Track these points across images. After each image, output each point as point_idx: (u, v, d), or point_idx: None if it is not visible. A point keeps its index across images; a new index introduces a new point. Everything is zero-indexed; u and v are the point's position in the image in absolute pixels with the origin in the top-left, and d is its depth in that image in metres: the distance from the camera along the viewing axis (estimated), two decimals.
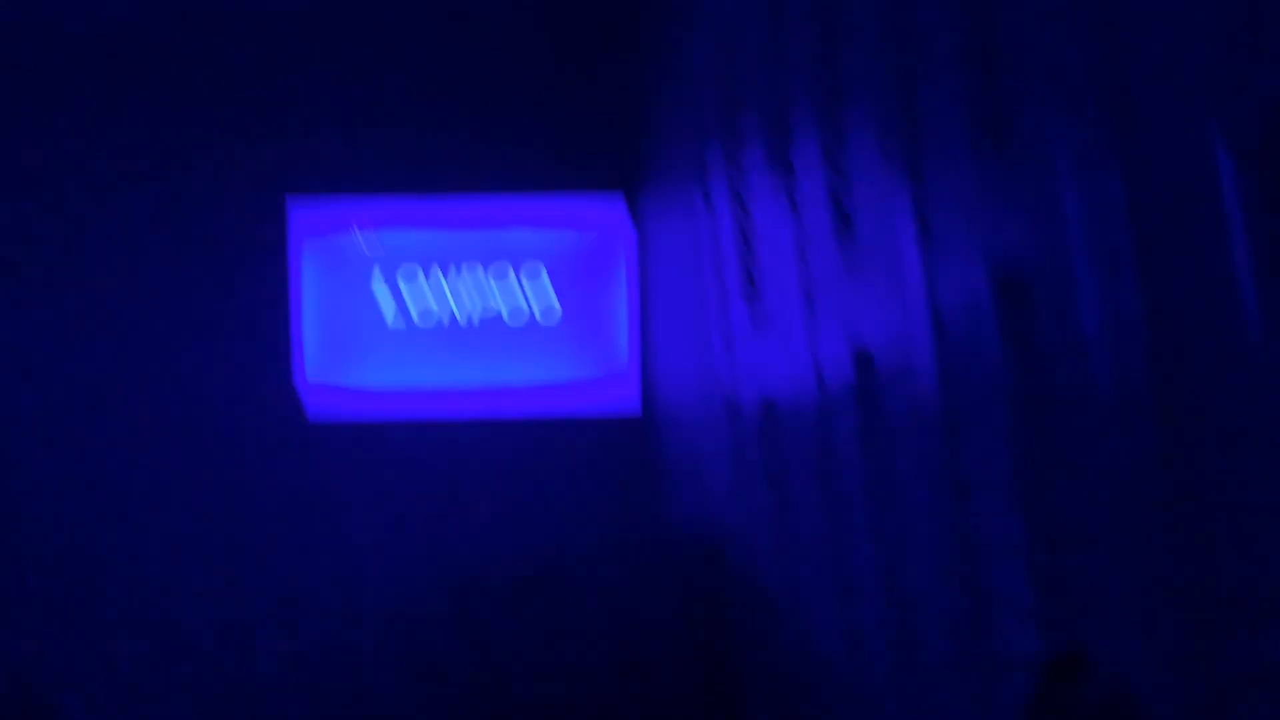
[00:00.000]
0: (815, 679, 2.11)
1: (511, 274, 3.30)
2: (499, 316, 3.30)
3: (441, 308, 3.26)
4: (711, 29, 2.52)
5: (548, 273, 3.31)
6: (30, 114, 3.20)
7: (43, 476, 3.07)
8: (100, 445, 3.10)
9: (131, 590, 3.03)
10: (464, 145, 3.31)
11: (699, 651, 2.41)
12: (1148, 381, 1.19)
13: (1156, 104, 1.19)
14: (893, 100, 1.71)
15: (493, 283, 3.30)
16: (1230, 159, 1.09)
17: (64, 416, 3.09)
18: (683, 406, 2.93)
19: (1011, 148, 1.45)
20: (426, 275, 3.27)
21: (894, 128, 1.72)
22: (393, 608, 3.04)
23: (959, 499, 1.61)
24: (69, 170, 3.19)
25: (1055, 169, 1.34)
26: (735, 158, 2.39)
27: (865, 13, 1.82)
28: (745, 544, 2.42)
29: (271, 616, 3.02)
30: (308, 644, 2.98)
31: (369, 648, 3.02)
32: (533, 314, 3.30)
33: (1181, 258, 1.16)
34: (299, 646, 2.94)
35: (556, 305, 3.31)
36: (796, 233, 2.09)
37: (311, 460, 3.15)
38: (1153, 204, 1.19)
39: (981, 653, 1.57)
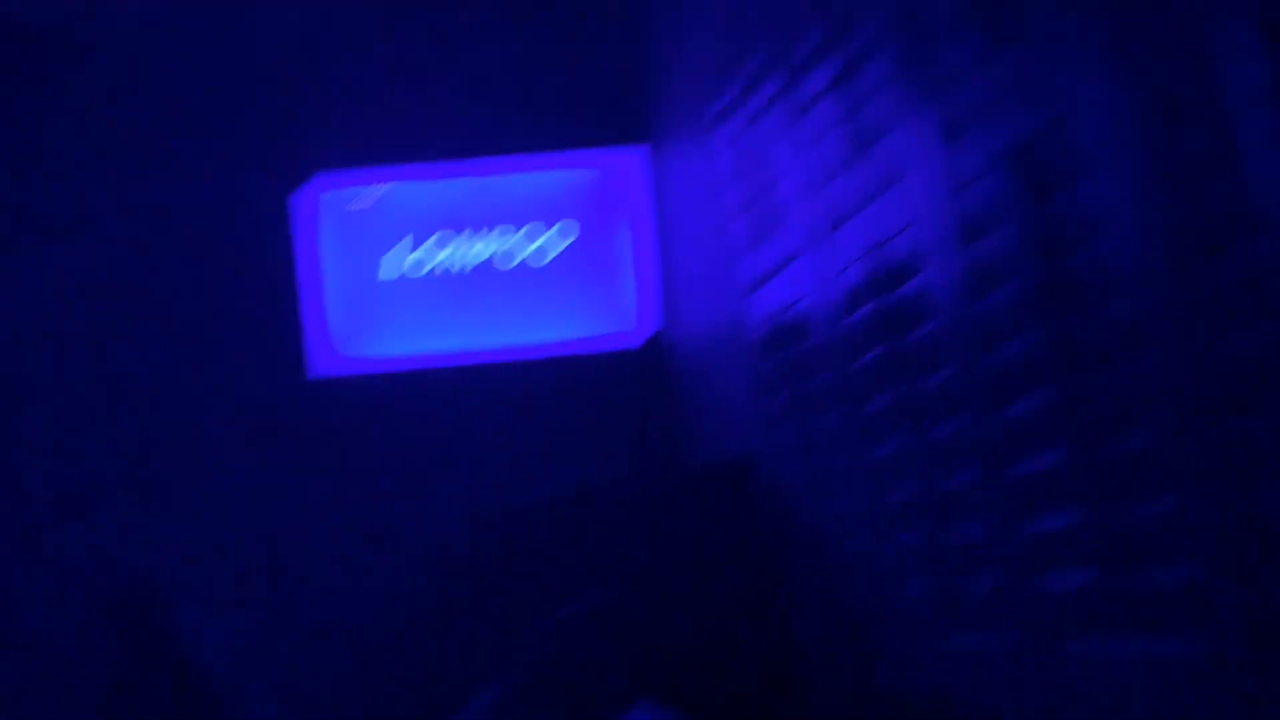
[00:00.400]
0: (855, 605, 2.11)
1: (528, 229, 3.28)
2: (510, 261, 3.27)
3: (457, 260, 3.24)
4: None
5: (565, 222, 3.28)
6: (61, 91, 3.22)
7: (59, 432, 3.11)
8: (120, 398, 3.14)
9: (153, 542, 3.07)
10: (479, 109, 3.30)
11: (730, 578, 2.41)
12: (1168, 261, 1.18)
13: None
14: (905, 13, 1.70)
15: (509, 237, 3.28)
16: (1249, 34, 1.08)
17: (85, 373, 3.13)
18: (700, 337, 2.93)
19: (1024, 43, 1.44)
20: (447, 238, 3.26)
21: (907, 43, 1.71)
22: (414, 548, 3.08)
23: (989, 404, 1.60)
24: (94, 141, 3.20)
25: (1068, 57, 1.34)
26: (752, 92, 2.37)
27: None
28: (771, 469, 2.42)
29: (297, 562, 3.06)
30: (335, 586, 3.01)
31: (395, 588, 3.09)
32: (545, 256, 3.27)
33: (1194, 133, 1.15)
34: (326, 587, 2.98)
35: (570, 244, 3.27)
36: (815, 158, 2.08)
37: (328, 412, 3.19)
38: (1165, 83, 1.18)
39: (1019, 583, 1.57)
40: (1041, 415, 1.47)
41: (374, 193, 3.24)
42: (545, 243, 3.28)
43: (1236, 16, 1.08)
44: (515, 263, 3.25)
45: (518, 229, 3.27)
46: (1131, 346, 1.29)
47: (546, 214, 3.29)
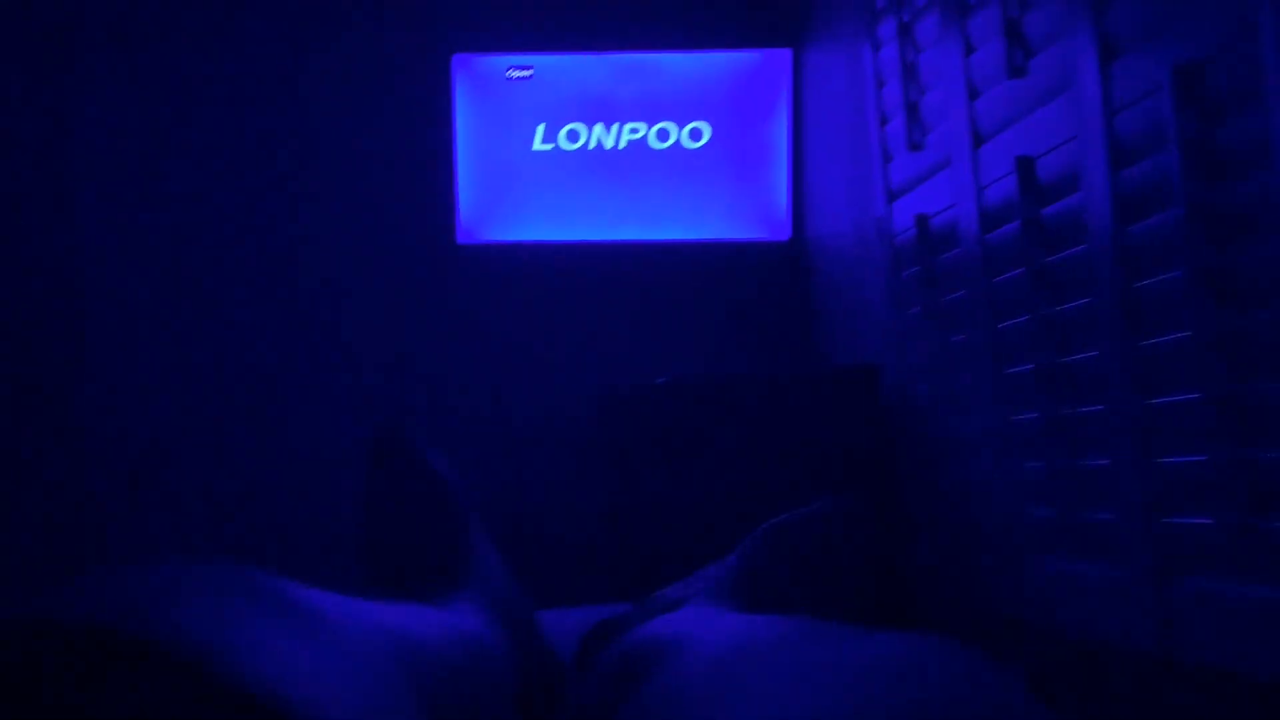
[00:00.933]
0: (973, 524, 2.11)
1: (678, 123, 3.29)
2: (664, 141, 3.29)
3: (610, 139, 3.28)
4: None
5: (713, 119, 3.28)
6: None
7: (219, 308, 3.25)
8: (273, 270, 3.26)
9: (289, 405, 3.21)
10: (625, 2, 3.30)
11: (850, 483, 2.43)
12: None
13: None
14: None
15: (651, 129, 3.29)
16: None
17: (241, 243, 3.26)
18: (836, 232, 2.90)
19: None
20: (588, 129, 3.29)
21: None
22: (540, 417, 3.17)
23: (1130, 334, 1.56)
24: (246, 36, 3.29)
25: None
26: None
27: None
28: (901, 379, 2.41)
29: (424, 423, 3.17)
30: (458, 454, 3.11)
31: (518, 460, 3.19)
32: (697, 144, 3.28)
33: None
34: (450, 447, 3.07)
35: (720, 139, 3.27)
36: (971, 67, 2.02)
37: (464, 280, 3.28)
38: None
39: (1143, 517, 1.54)
40: (1185, 350, 1.43)
41: (530, 67, 3.26)
42: (694, 135, 3.28)
43: None
44: (669, 144, 3.26)
45: (669, 121, 3.28)
46: None
47: (695, 110, 3.27)
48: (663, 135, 3.29)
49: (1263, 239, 1.30)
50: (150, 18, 3.26)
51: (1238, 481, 1.36)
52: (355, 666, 0.76)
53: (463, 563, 1.38)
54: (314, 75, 3.29)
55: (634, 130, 3.29)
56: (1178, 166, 1.40)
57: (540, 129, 3.28)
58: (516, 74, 3.26)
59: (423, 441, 1.52)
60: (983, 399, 2.01)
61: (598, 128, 3.29)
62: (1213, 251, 1.37)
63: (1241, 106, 1.32)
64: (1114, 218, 1.56)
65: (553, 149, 3.29)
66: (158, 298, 3.21)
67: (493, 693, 1.16)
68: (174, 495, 3.14)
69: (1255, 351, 1.33)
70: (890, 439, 2.47)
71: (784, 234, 3.26)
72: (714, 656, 0.95)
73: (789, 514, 1.73)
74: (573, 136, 3.29)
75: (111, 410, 3.16)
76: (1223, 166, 1.36)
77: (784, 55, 3.23)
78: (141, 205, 3.24)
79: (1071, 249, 1.70)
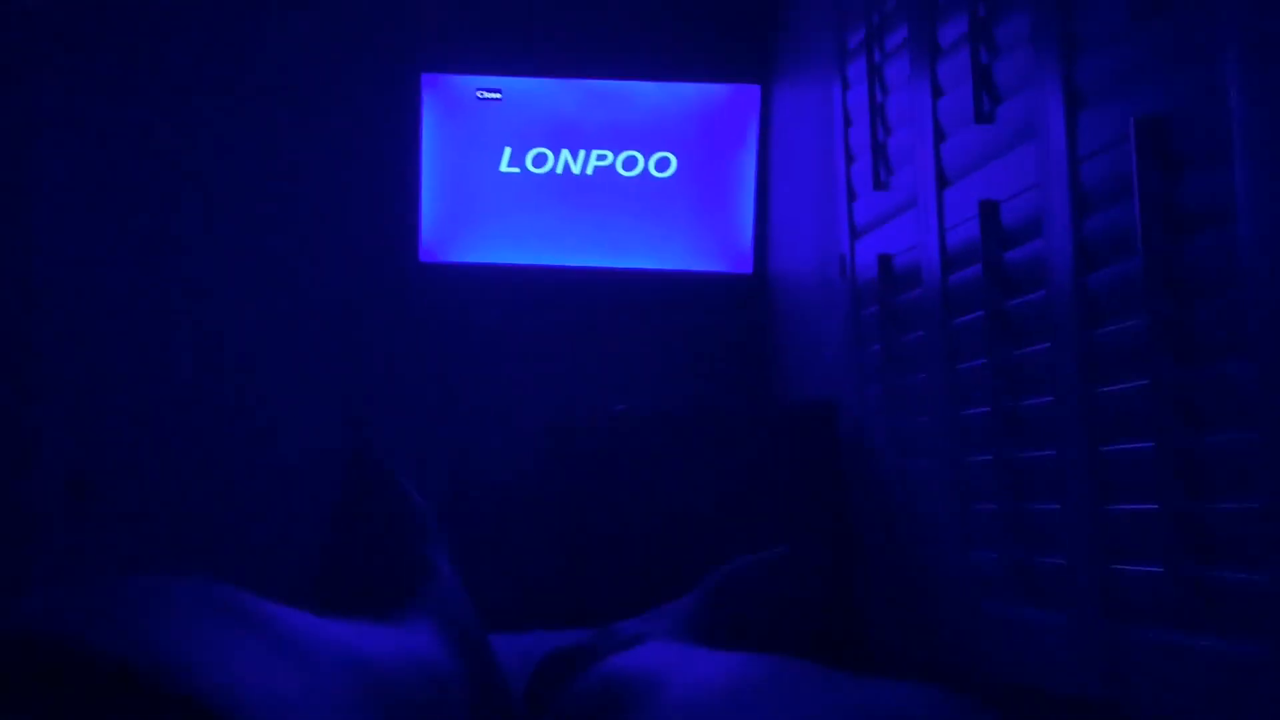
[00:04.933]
0: (924, 565, 2.11)
1: (639, 156, 3.30)
2: (631, 169, 3.30)
3: (578, 164, 3.28)
4: None
5: (680, 150, 3.29)
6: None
7: (177, 316, 3.21)
8: (235, 286, 3.23)
9: (246, 414, 3.18)
10: (598, 29, 3.31)
11: (804, 520, 2.43)
12: None
13: None
14: None
15: (618, 157, 3.30)
16: None
17: (205, 258, 3.23)
18: (798, 268, 2.92)
19: (1171, 7, 1.38)
20: (554, 154, 3.29)
21: (1048, 2, 1.65)
22: (496, 444, 3.16)
23: (1085, 382, 1.57)
24: (215, 56, 3.27)
25: (1212, 35, 1.28)
26: (879, 38, 2.33)
27: None
28: (858, 416, 2.41)
29: (381, 445, 3.13)
30: (413, 474, 3.07)
31: (472, 480, 3.16)
32: (663, 174, 3.29)
33: None
34: (405, 464, 3.02)
35: (688, 170, 3.28)
36: (940, 109, 2.04)
37: (425, 299, 3.26)
38: None
39: (1092, 564, 1.55)
40: (1140, 400, 1.44)
41: (500, 89, 3.25)
42: (660, 165, 3.29)
43: None
44: (636, 172, 3.27)
45: (636, 150, 3.28)
46: (1240, 342, 1.26)
47: (663, 140, 3.28)
48: (630, 164, 3.29)
49: (1220, 294, 1.31)
50: (117, 31, 3.23)
51: (1188, 532, 1.37)
52: (317, 684, 0.75)
53: (423, 583, 1.37)
54: (281, 89, 3.27)
55: (601, 157, 3.29)
56: (1139, 218, 1.41)
57: (507, 151, 3.28)
58: (486, 95, 3.26)
59: (391, 461, 1.52)
60: (938, 440, 2.02)
61: (565, 153, 3.29)
62: (1171, 304, 1.39)
63: (1204, 162, 1.34)
64: (1075, 265, 1.57)
65: (519, 172, 3.28)
66: (117, 311, 3.16)
67: (443, 714, 1.15)
68: (131, 507, 3.09)
69: (1209, 404, 1.34)
70: (846, 476, 2.47)
71: (747, 267, 3.26)
72: (693, 698, 0.94)
73: (747, 558, 1.73)
74: (540, 160, 3.29)
75: (64, 422, 3.11)
76: (1184, 220, 1.37)
77: (753, 91, 3.25)
78: (103, 216, 3.19)
79: (1032, 294, 1.72)
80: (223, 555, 3.05)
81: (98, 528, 3.06)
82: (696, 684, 0.97)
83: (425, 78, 3.24)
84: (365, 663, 0.93)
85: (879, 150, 2.31)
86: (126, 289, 3.18)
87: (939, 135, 2.02)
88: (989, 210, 1.83)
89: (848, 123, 2.48)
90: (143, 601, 0.70)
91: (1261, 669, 1.23)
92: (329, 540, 1.45)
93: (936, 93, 2.03)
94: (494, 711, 1.40)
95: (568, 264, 3.28)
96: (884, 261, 2.27)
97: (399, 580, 1.37)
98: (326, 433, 3.12)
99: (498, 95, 3.26)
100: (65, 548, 3.04)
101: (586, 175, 3.29)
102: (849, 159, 2.47)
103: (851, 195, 2.45)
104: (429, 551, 1.44)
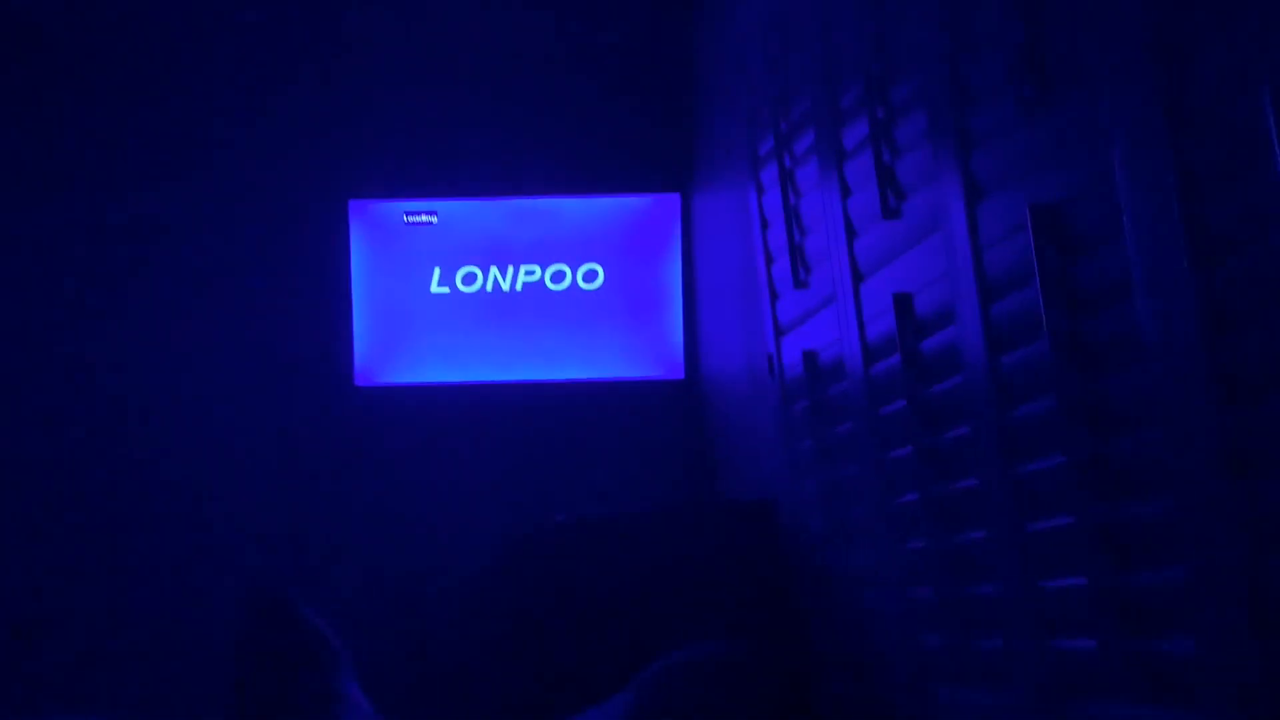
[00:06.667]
0: (869, 654, 2.11)
1: (566, 269, 3.35)
2: (546, 288, 3.35)
3: (493, 286, 3.33)
4: (761, 14, 2.55)
5: (607, 261, 3.35)
6: (102, 113, 3.32)
7: (109, 437, 3.18)
8: (170, 406, 3.22)
9: (180, 546, 3.14)
10: (519, 149, 3.40)
11: (749, 618, 2.43)
12: (1196, 324, 1.19)
13: (1207, 55, 1.19)
14: (942, 68, 1.72)
15: (546, 271, 3.35)
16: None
17: (139, 382, 3.21)
18: (728, 370, 2.96)
19: (1057, 100, 1.45)
20: (484, 272, 3.34)
21: (944, 102, 1.73)
22: (441, 563, 3.13)
23: (1007, 461, 1.61)
24: (142, 173, 3.30)
25: (1100, 113, 1.35)
26: (788, 145, 2.41)
27: None
28: (795, 512, 2.44)
29: (322, 572, 3.10)
30: (358, 594, 3.05)
31: (419, 597, 3.16)
32: (591, 287, 3.35)
33: (1228, 197, 1.16)
34: (350, 596, 3.01)
35: (614, 281, 3.34)
36: (850, 209, 2.10)
37: (362, 422, 3.26)
38: (1199, 144, 1.19)
39: (1031, 642, 1.57)
40: (1058, 476, 1.48)
41: (428, 211, 3.30)
42: (588, 277, 3.34)
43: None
44: (564, 285, 3.31)
45: (563, 263, 3.34)
46: (1152, 414, 1.30)
47: (589, 252, 3.34)
48: (558, 277, 3.34)
49: (1124, 366, 1.36)
50: (47, 153, 3.25)
51: (1117, 604, 1.39)
52: None
53: (332, 710, 1.36)
54: (207, 217, 3.30)
55: (530, 272, 3.34)
56: (1041, 300, 1.47)
57: (437, 272, 3.32)
58: (416, 218, 3.30)
59: (295, 596, 1.52)
60: (874, 529, 2.04)
61: (494, 270, 3.34)
62: (1078, 379, 1.43)
63: (1099, 243, 1.39)
64: (986, 349, 1.62)
65: (450, 291, 3.32)
66: (46, 441, 3.13)
67: None
68: (49, 646, 3.02)
69: (1124, 475, 1.38)
70: (788, 570, 2.48)
71: (678, 372, 3.31)
72: None
73: (681, 653, 1.73)
74: (469, 279, 3.33)
75: None
76: (1083, 299, 1.42)
77: (673, 200, 3.33)
78: (30, 341, 3.18)
79: (949, 380, 1.76)
80: (157, 689, 2.97)
81: (36, 664, 2.99)
82: None
83: (352, 204, 3.28)
84: None
85: (796, 251, 2.37)
86: (55, 420, 3.15)
87: (851, 233, 2.08)
88: (903, 302, 1.88)
89: (765, 225, 2.54)
90: None
91: None
92: (235, 675, 1.44)
93: (845, 193, 2.10)
94: None
95: (503, 379, 3.30)
96: (809, 358, 2.31)
97: (307, 711, 1.36)
98: (268, 558, 3.08)
99: (433, 218, 3.30)
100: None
101: (516, 291, 3.34)
102: (769, 260, 2.53)
103: (774, 295, 2.51)
104: (337, 680, 1.43)
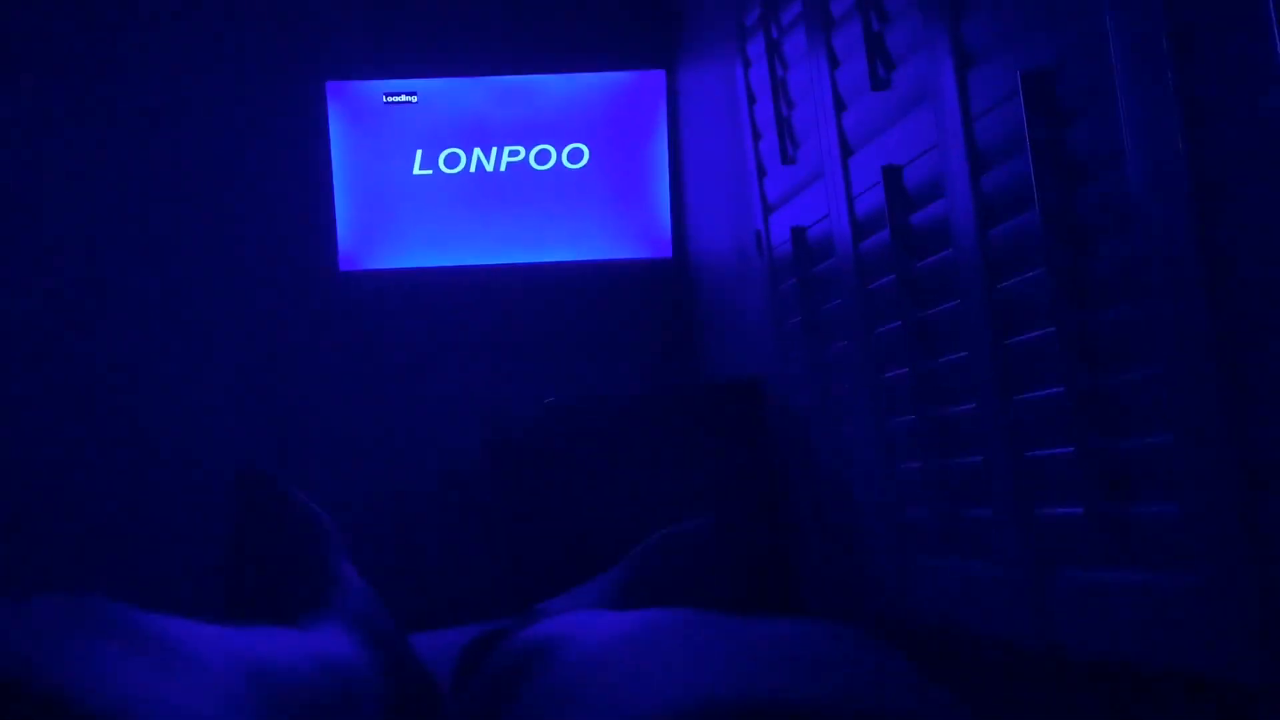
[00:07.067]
0: (855, 529, 2.14)
1: (551, 149, 3.31)
2: (544, 163, 3.31)
3: (491, 161, 3.28)
4: None
5: (591, 140, 3.30)
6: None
7: (91, 327, 3.17)
8: (153, 298, 3.20)
9: (169, 431, 3.15)
10: (499, 25, 3.32)
11: (735, 496, 2.46)
12: (1187, 195, 1.18)
13: None
14: None
15: (530, 152, 3.30)
16: None
17: (120, 274, 3.19)
18: (716, 248, 2.95)
19: None
20: (467, 154, 3.29)
21: None
22: (428, 447, 3.15)
23: (995, 335, 1.61)
24: (112, 58, 3.22)
25: None
26: (775, 14, 2.36)
27: None
28: (784, 390, 2.45)
29: (309, 460, 3.12)
30: (346, 485, 3.07)
31: (407, 487, 3.15)
32: (576, 166, 3.31)
33: (1222, 60, 1.14)
34: (338, 486, 3.02)
35: (601, 160, 3.30)
36: (838, 81, 2.07)
37: (347, 308, 3.25)
38: (1192, 6, 1.17)
39: (1016, 512, 1.59)
40: (1044, 348, 1.48)
41: (408, 92, 3.24)
42: (573, 157, 3.30)
43: None
44: (549, 165, 3.27)
45: (548, 143, 3.29)
46: (1137, 284, 1.29)
47: (574, 132, 3.29)
48: (542, 157, 3.30)
49: (1114, 238, 1.35)
50: (19, 42, 3.17)
51: (1103, 471, 1.41)
52: (206, 692, 0.75)
53: (327, 588, 1.37)
54: (185, 102, 3.23)
55: (513, 153, 3.29)
56: (1031, 170, 1.45)
57: (419, 154, 3.27)
58: (396, 98, 3.24)
59: (285, 478, 1.52)
60: (861, 405, 2.05)
61: (477, 151, 3.29)
62: (1068, 252, 1.43)
63: (1089, 111, 1.37)
64: (976, 222, 1.61)
65: (432, 174, 3.27)
66: (25, 324, 3.12)
67: (356, 713, 1.15)
68: (43, 525, 3.05)
69: (1114, 346, 1.38)
70: (775, 448, 2.50)
71: (666, 251, 3.29)
72: (598, 646, 0.95)
73: (668, 529, 1.75)
74: (452, 161, 3.28)
75: None
76: (1074, 169, 1.41)
77: (658, 76, 3.27)
78: (9, 227, 3.15)
79: (939, 254, 1.75)
80: (139, 572, 3.01)
81: (13, 550, 3.02)
82: (594, 639, 0.98)
83: (330, 85, 3.22)
84: (263, 665, 0.93)
85: (784, 125, 2.33)
86: (33, 306, 3.13)
87: (839, 105, 2.05)
88: (892, 175, 1.86)
89: (752, 100, 2.50)
90: (31, 621, 0.70)
91: (1183, 597, 1.27)
92: (228, 558, 1.46)
93: (833, 64, 2.06)
94: (417, 704, 1.41)
95: (488, 262, 3.28)
96: (797, 234, 2.29)
97: (300, 587, 1.37)
98: (253, 448, 3.10)
99: (413, 98, 3.24)
100: None
101: (500, 172, 3.29)
102: (756, 136, 2.49)
103: (761, 172, 2.48)
104: (330, 558, 1.44)
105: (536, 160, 3.30)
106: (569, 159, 3.30)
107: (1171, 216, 1.21)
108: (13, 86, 3.17)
